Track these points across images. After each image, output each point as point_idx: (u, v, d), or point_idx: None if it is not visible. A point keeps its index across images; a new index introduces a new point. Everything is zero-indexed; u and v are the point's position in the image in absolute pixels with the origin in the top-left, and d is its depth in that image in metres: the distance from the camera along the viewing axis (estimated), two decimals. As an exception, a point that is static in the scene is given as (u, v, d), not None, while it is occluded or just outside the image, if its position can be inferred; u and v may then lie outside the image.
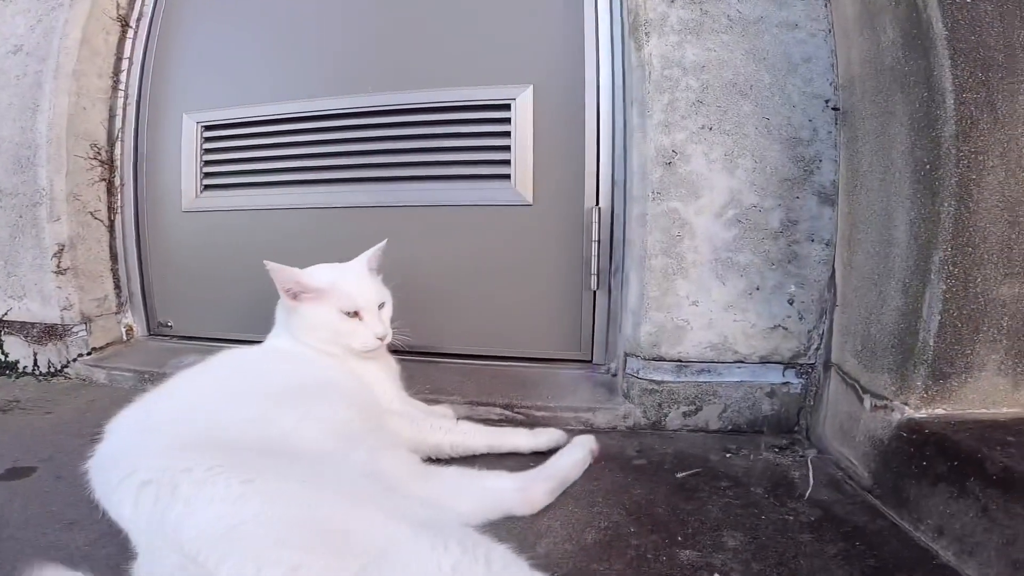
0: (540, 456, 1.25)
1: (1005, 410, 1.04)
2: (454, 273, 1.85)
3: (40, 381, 1.91)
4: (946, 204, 1.00)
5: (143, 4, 2.14)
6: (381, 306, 1.33)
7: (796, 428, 1.44)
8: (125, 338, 2.12)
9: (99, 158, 2.06)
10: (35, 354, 1.97)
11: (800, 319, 1.43)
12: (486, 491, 1.06)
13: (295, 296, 1.28)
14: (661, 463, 1.30)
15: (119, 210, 2.12)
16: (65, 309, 1.93)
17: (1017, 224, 1.00)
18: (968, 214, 0.99)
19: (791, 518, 1.06)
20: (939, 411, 1.05)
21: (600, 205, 1.70)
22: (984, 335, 1.02)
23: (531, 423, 1.46)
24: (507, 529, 1.00)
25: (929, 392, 1.05)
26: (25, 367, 1.98)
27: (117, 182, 2.11)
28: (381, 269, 1.43)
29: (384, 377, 1.34)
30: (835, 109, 1.38)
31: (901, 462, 1.05)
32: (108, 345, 2.04)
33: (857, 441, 1.19)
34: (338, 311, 1.27)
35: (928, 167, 1.03)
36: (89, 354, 1.96)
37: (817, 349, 1.43)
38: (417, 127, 1.84)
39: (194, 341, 2.10)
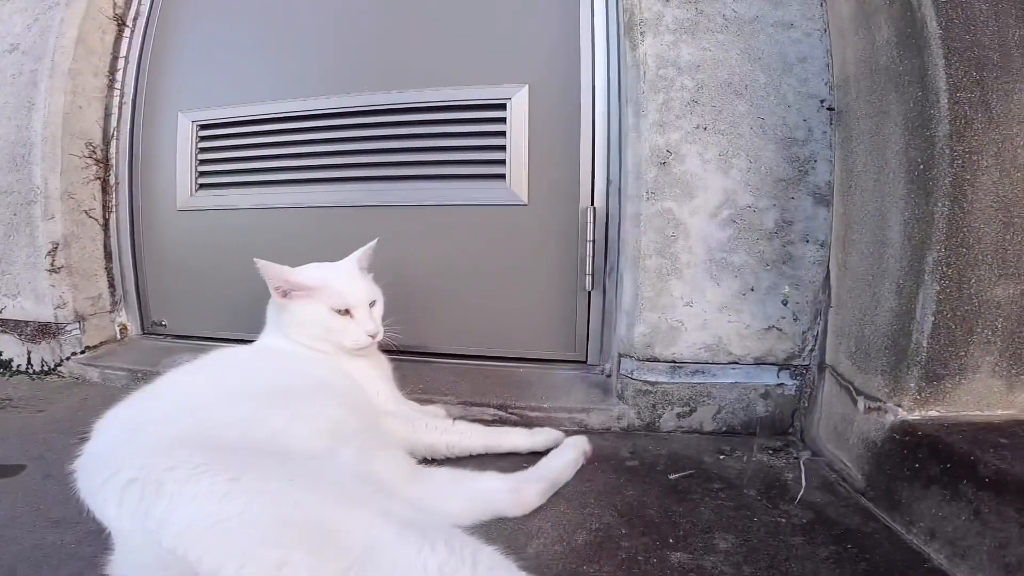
0: (536, 456, 1.24)
1: (999, 412, 1.04)
2: (449, 273, 1.85)
3: (33, 379, 1.91)
4: (940, 204, 0.99)
5: (140, 3, 2.14)
6: (372, 304, 1.33)
7: (790, 430, 1.43)
8: (119, 337, 2.11)
9: (94, 157, 2.05)
10: (29, 352, 1.96)
11: (794, 320, 1.42)
12: (477, 492, 1.05)
13: (285, 294, 1.28)
14: (654, 464, 1.29)
15: (114, 209, 2.12)
16: (59, 307, 1.93)
17: (1011, 225, 0.99)
18: (962, 214, 0.99)
19: (783, 520, 1.05)
20: (933, 413, 1.04)
21: (595, 205, 1.70)
22: (978, 337, 1.02)
23: (525, 424, 1.45)
24: (497, 530, 1.00)
25: (923, 394, 1.04)
26: (19, 365, 1.97)
27: (112, 181, 2.11)
28: (372, 268, 1.43)
29: (377, 376, 1.33)
30: (830, 109, 1.38)
31: (894, 464, 1.04)
32: (102, 344, 2.04)
33: (851, 443, 1.18)
34: (329, 309, 1.27)
35: (922, 167, 1.02)
36: (83, 353, 1.95)
37: (811, 350, 1.42)
38: (412, 126, 1.84)
39: (188, 340, 2.10)
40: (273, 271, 1.26)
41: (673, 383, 1.45)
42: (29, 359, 1.96)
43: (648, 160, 1.43)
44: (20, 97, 1.95)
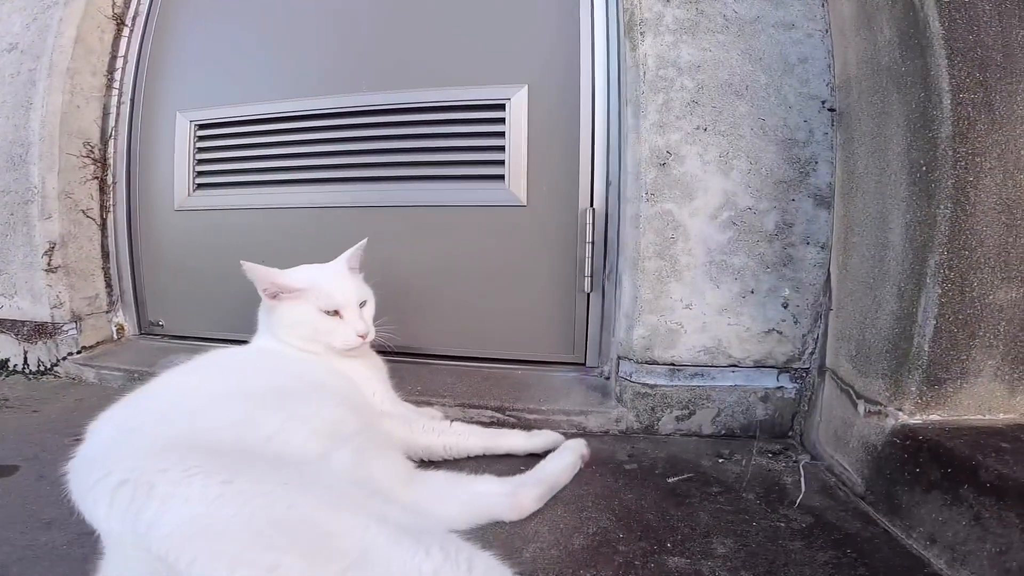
0: (533, 459, 1.23)
1: (1001, 416, 1.03)
2: (447, 274, 1.84)
3: (29, 380, 1.90)
4: (942, 207, 0.98)
5: (139, 3, 2.14)
6: (363, 305, 1.32)
7: (790, 433, 1.42)
8: (116, 337, 2.11)
9: (92, 156, 2.04)
10: (25, 352, 1.95)
11: (795, 323, 1.41)
12: (474, 496, 1.05)
13: (274, 296, 1.28)
14: (652, 468, 1.28)
15: (111, 208, 2.11)
16: (55, 307, 1.92)
17: (1015, 227, 0.98)
18: (965, 217, 0.98)
19: (782, 525, 1.04)
20: (934, 417, 1.03)
21: (594, 206, 1.69)
22: (980, 340, 1.01)
23: (523, 426, 1.44)
24: (494, 534, 0.99)
25: (924, 398, 1.03)
26: (15, 365, 1.97)
27: (110, 180, 2.10)
28: (363, 268, 1.42)
29: (372, 376, 1.33)
30: (831, 110, 1.37)
31: (894, 469, 1.03)
32: (98, 344, 2.03)
33: (851, 447, 1.17)
34: (317, 310, 1.26)
35: (924, 169, 1.01)
36: (79, 353, 1.94)
37: (812, 354, 1.41)
38: (411, 127, 1.83)
39: (185, 340, 2.09)
40: (260, 273, 1.26)
41: (672, 386, 1.44)
42: (25, 359, 1.96)
43: (648, 161, 1.42)
44: (18, 96, 1.94)
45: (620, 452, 1.36)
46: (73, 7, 1.95)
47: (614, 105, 1.66)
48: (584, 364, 1.76)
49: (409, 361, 1.82)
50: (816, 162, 1.38)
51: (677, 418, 1.45)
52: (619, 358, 1.53)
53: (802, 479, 1.20)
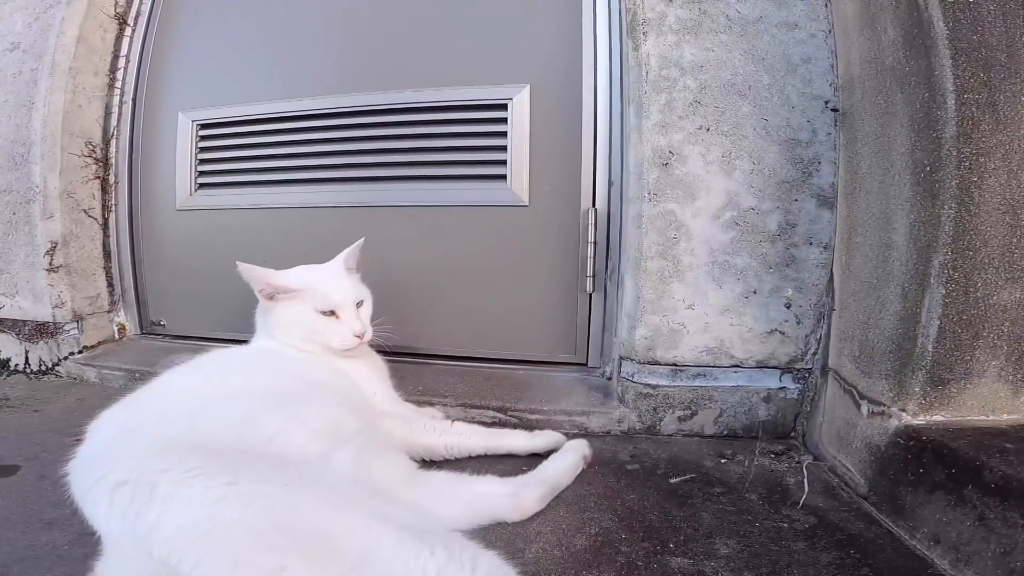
0: (536, 459, 1.23)
1: (1005, 417, 1.02)
2: (449, 274, 1.84)
3: (31, 379, 1.90)
4: (946, 207, 0.98)
5: (141, 2, 2.14)
6: (360, 304, 1.32)
7: (792, 434, 1.42)
8: (117, 337, 2.10)
9: (94, 156, 2.04)
10: (26, 352, 1.95)
11: (798, 323, 1.41)
12: (476, 496, 1.04)
13: (270, 297, 1.28)
14: (655, 468, 1.28)
15: (113, 208, 2.11)
16: (57, 307, 1.92)
17: (1019, 228, 0.98)
18: (969, 217, 0.97)
19: (785, 525, 1.04)
20: (937, 418, 1.03)
21: (596, 206, 1.69)
22: (984, 341, 1.00)
23: (525, 426, 1.44)
24: (496, 534, 0.99)
25: (927, 398, 1.03)
26: (16, 365, 1.97)
27: (111, 180, 2.10)
28: (360, 267, 1.42)
29: (373, 376, 1.32)
30: (834, 110, 1.37)
31: (898, 469, 1.03)
32: (100, 344, 2.03)
33: (854, 447, 1.17)
34: (314, 310, 1.26)
35: (928, 169, 1.01)
36: (80, 352, 1.94)
37: (814, 354, 1.41)
38: (413, 127, 1.83)
39: (187, 340, 2.09)
40: (255, 274, 1.26)
41: (674, 386, 1.44)
42: (27, 359, 1.95)
43: (650, 161, 1.42)
44: (20, 96, 1.94)
45: (622, 452, 1.35)
46: (75, 6, 1.95)
47: (616, 105, 1.66)
48: (586, 364, 1.76)
49: (410, 361, 1.82)
50: (819, 162, 1.38)
51: (679, 418, 1.44)
52: (621, 358, 1.53)
53: (805, 480, 1.20)
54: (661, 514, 1.08)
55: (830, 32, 1.38)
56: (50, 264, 1.91)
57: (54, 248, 1.91)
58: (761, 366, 1.42)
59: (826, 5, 1.38)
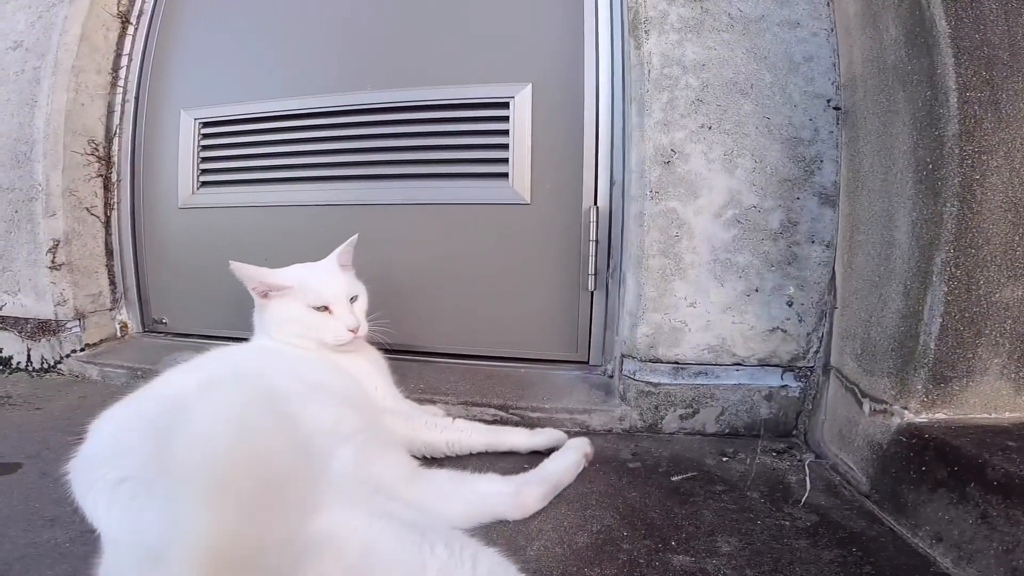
0: (537, 456, 1.23)
1: (1007, 415, 1.02)
2: (451, 272, 1.84)
3: (33, 377, 1.91)
4: (948, 205, 0.98)
5: (144, 1, 2.14)
6: (354, 300, 1.32)
7: (794, 432, 1.42)
8: (119, 334, 2.11)
9: (96, 154, 2.05)
10: (28, 350, 1.96)
11: (799, 321, 1.41)
12: (477, 495, 1.04)
13: (264, 295, 1.28)
14: (656, 466, 1.28)
15: (115, 206, 2.12)
16: (59, 305, 1.92)
17: (1021, 225, 0.98)
18: (971, 215, 0.97)
19: (787, 523, 1.04)
20: (939, 416, 1.03)
21: (598, 205, 1.69)
22: (986, 339, 1.00)
23: (526, 424, 1.44)
24: (498, 531, 0.99)
25: (929, 396, 1.03)
26: (18, 363, 1.97)
27: (114, 178, 2.11)
28: (355, 263, 1.42)
29: (373, 372, 1.32)
30: (836, 109, 1.37)
31: (900, 467, 1.03)
32: (102, 341, 2.03)
33: (856, 446, 1.17)
34: (306, 306, 1.26)
35: (931, 167, 1.01)
36: (82, 350, 1.95)
37: (816, 352, 1.41)
38: (415, 125, 1.83)
39: (189, 338, 2.09)
40: (248, 272, 1.27)
41: (676, 384, 1.44)
42: (29, 356, 1.96)
43: (652, 159, 1.42)
44: (23, 94, 1.95)
45: (624, 450, 1.35)
46: (78, 5, 1.96)
47: (618, 103, 1.66)
48: (588, 362, 1.76)
49: (412, 359, 1.82)
50: (821, 161, 1.38)
51: (681, 417, 1.44)
52: (623, 356, 1.53)
53: (807, 478, 1.20)
54: (663, 512, 1.08)
55: (832, 31, 1.38)
56: (52, 262, 1.91)
57: (56, 246, 1.92)
58: (763, 364, 1.42)
59: (828, 4, 1.38)
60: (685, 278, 1.42)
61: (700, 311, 1.42)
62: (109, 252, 2.11)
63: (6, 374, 1.93)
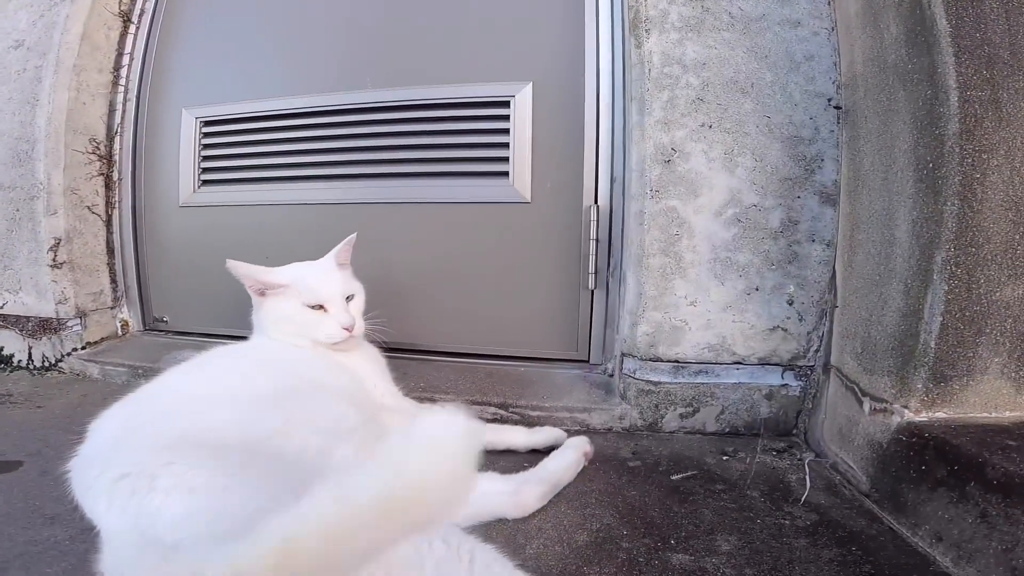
0: (536, 455, 1.23)
1: (1007, 414, 1.02)
2: (451, 270, 1.84)
3: (34, 375, 1.91)
4: (949, 204, 0.98)
5: (145, 0, 2.14)
6: (350, 298, 1.32)
7: (794, 431, 1.42)
8: (120, 333, 2.11)
9: (97, 153, 2.05)
10: (30, 348, 1.96)
11: (800, 320, 1.40)
12: (477, 494, 1.04)
13: (261, 293, 1.29)
14: (656, 465, 1.28)
15: (116, 204, 2.12)
16: (60, 303, 1.93)
17: (1022, 224, 0.98)
18: (972, 214, 0.97)
19: (787, 522, 1.03)
20: (940, 415, 1.03)
21: (598, 203, 1.69)
22: (987, 338, 1.00)
23: (526, 423, 1.44)
24: (497, 529, 0.99)
25: (929, 395, 1.03)
26: (19, 361, 1.97)
27: (115, 177, 2.11)
28: (353, 262, 1.42)
29: (372, 370, 1.33)
30: (837, 108, 1.37)
31: (900, 466, 1.03)
32: (103, 340, 2.04)
33: (855, 445, 1.17)
34: (302, 305, 1.26)
35: (931, 166, 1.01)
36: (83, 348, 1.95)
37: (816, 351, 1.40)
38: (416, 123, 1.83)
39: (190, 337, 2.10)
40: (244, 271, 1.27)
41: (676, 383, 1.44)
42: (30, 355, 1.96)
43: (652, 158, 1.42)
44: (24, 93, 1.95)
45: (624, 449, 1.35)
46: (80, 4, 1.96)
47: (619, 102, 1.66)
48: (588, 361, 1.76)
49: (412, 358, 1.82)
50: (822, 159, 1.38)
51: (681, 415, 1.44)
52: (623, 355, 1.53)
53: (807, 477, 1.20)
54: (662, 511, 1.08)
55: (833, 30, 1.38)
56: (53, 260, 1.91)
57: (57, 244, 1.92)
58: (763, 363, 1.42)
59: (829, 3, 1.38)
60: (685, 277, 1.42)
61: (700, 310, 1.42)
62: (110, 250, 2.12)
63: (7, 372, 1.94)
